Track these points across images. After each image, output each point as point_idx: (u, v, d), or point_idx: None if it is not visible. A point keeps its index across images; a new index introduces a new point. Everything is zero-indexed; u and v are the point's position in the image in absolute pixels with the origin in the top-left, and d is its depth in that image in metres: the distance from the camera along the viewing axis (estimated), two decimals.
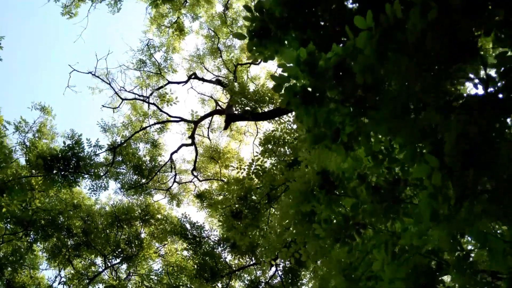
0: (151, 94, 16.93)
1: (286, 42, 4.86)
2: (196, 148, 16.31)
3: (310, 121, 3.15)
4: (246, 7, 5.06)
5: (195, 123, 15.48)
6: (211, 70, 19.86)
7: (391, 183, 3.95)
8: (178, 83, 17.36)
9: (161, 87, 17.04)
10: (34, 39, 41.80)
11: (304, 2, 4.64)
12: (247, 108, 11.56)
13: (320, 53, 3.43)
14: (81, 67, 40.17)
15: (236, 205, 10.04)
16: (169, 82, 17.30)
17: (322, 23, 4.76)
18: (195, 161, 16.83)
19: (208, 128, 18.28)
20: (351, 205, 3.99)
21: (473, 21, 2.69)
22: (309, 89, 3.36)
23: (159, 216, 20.03)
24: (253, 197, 10.24)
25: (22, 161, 18.65)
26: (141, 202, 18.85)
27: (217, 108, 16.96)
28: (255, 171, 9.81)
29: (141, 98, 16.63)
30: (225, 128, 14.19)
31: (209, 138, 18.29)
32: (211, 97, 17.63)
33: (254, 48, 4.89)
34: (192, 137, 15.44)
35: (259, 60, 14.57)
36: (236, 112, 12.34)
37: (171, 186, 18.09)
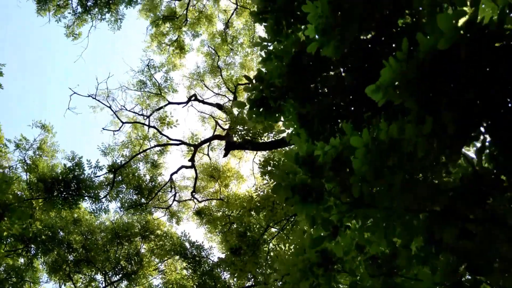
0: (151, 115, 17.03)
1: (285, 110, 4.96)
2: (196, 171, 16.39)
3: (308, 220, 3.24)
4: (246, 77, 5.16)
5: (195, 146, 15.57)
6: (211, 88, 19.99)
7: (390, 254, 4.03)
8: (178, 103, 17.46)
9: (161, 107, 17.15)
10: (35, 57, 42.15)
11: (303, 74, 4.73)
12: (247, 137, 11.64)
13: (318, 142, 3.52)
14: (82, 84, 40.61)
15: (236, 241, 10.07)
16: (169, 103, 17.41)
17: (321, 97, 4.85)
18: (194, 184, 16.90)
19: (208, 146, 18.36)
20: (350, 283, 4.06)
21: (464, 140, 2.78)
22: (308, 181, 3.44)
23: (158, 232, 20.10)
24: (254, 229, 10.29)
25: (24, 176, 18.81)
26: (141, 218, 18.92)
27: (217, 127, 17.05)
28: (254, 206, 9.86)
29: (142, 122, 16.73)
30: (225, 155, 14.27)
31: (209, 156, 18.39)
32: (211, 116, 17.71)
33: (254, 116, 4.97)
34: (192, 160, 15.53)
35: None
36: (236, 139, 12.43)
37: (171, 204, 18.17)
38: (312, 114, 4.64)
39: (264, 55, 4.85)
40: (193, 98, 17.25)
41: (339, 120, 4.71)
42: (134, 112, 17.48)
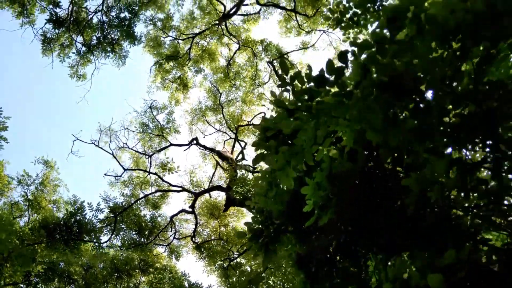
0: (153, 154, 17.23)
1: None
2: (196, 217, 16.55)
3: None
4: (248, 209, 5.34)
5: (196, 194, 15.76)
6: (213, 123, 20.22)
7: None
8: (180, 145, 17.66)
9: (163, 148, 17.36)
10: (38, 94, 42.75)
11: (300, 215, 4.93)
12: (247, 195, 11.82)
13: None
14: (86, 118, 41.15)
15: None
16: (171, 144, 17.60)
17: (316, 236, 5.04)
18: (194, 229, 17.06)
19: (209, 184, 18.52)
20: None
21: None
22: None
23: (158, 265, 20.20)
24: None
25: (26, 214, 18.98)
26: (141, 254, 19.04)
27: (219, 163, 17.21)
28: None
29: (143, 169, 16.94)
30: (225, 211, 14.45)
31: (209, 194, 18.53)
32: (212, 151, 17.85)
33: (255, 251, 5.16)
34: (192, 207, 15.69)
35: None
36: (236, 196, 12.62)
37: (171, 242, 18.28)
38: (309, 256, 4.82)
39: (265, 185, 5.04)
40: (194, 142, 17.44)
41: (337, 259, 4.89)
42: (136, 151, 17.69)
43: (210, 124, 20.12)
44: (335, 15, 5.94)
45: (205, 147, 17.47)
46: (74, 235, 15.09)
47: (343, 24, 5.98)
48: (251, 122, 19.64)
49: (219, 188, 15.83)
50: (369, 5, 5.83)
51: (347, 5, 5.93)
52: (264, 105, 21.10)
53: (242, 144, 18.52)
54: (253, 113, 21.29)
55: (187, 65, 18.89)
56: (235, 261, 19.10)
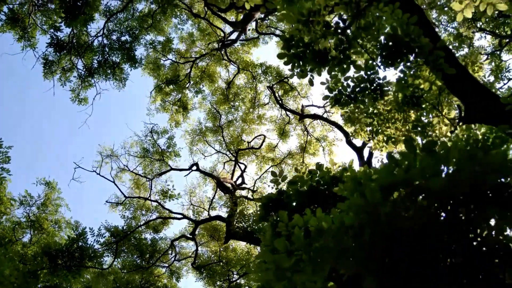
0: (153, 178, 17.42)
1: None
2: (196, 244, 16.75)
3: None
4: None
5: (197, 223, 15.95)
6: (213, 143, 20.42)
7: None
8: (180, 170, 17.85)
9: (164, 172, 17.56)
10: (39, 116, 43.07)
11: None
12: (248, 229, 12.03)
13: None
14: (87, 139, 41.42)
15: None
16: (172, 169, 17.80)
17: None
18: (195, 257, 17.25)
19: (210, 205, 18.73)
20: None
21: None
22: None
23: (159, 284, 20.38)
24: None
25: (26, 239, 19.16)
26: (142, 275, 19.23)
27: (218, 186, 17.38)
28: None
29: (144, 197, 17.14)
30: (225, 243, 14.65)
31: (209, 214, 18.71)
32: (212, 177, 18.03)
33: None
34: (193, 234, 15.88)
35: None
36: (237, 229, 12.83)
37: (172, 263, 18.47)
38: None
39: None
40: (194, 168, 17.63)
41: None
42: (136, 173, 17.86)
43: (210, 145, 20.36)
44: (334, 92, 6.13)
45: (205, 173, 17.65)
46: (76, 261, 15.27)
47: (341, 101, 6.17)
48: (251, 143, 19.86)
49: (219, 218, 16.01)
50: (367, 85, 6.03)
51: (345, 83, 6.12)
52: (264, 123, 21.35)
53: (242, 167, 18.73)
54: (253, 132, 21.53)
55: (187, 88, 19.08)
56: (234, 282, 19.32)
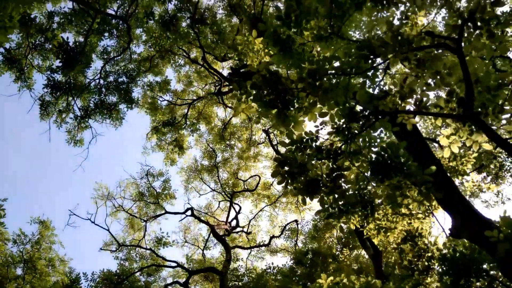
0: (148, 220, 17.41)
1: None
2: None
3: None
4: None
5: (190, 272, 15.88)
6: (208, 182, 20.45)
7: None
8: (175, 213, 17.87)
9: (159, 215, 17.57)
10: (35, 156, 43.37)
11: None
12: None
13: None
14: (82, 176, 41.55)
15: None
16: (166, 212, 17.81)
17: None
18: None
19: (204, 246, 18.71)
20: None
21: None
22: None
23: None
24: None
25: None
26: None
27: (213, 233, 17.38)
28: None
29: (139, 245, 17.10)
30: None
31: (203, 255, 18.69)
32: (207, 224, 18.02)
33: None
34: (186, 283, 15.79)
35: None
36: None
37: None
38: None
39: None
40: (189, 212, 17.64)
41: None
42: (131, 215, 17.84)
43: (205, 183, 20.38)
44: (325, 206, 6.19)
45: (199, 220, 17.65)
46: None
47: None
48: (247, 182, 19.90)
49: (213, 270, 15.94)
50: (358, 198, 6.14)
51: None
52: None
53: (237, 208, 18.76)
54: (249, 168, 21.57)
55: (183, 129, 19.15)
56: None
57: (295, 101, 6.26)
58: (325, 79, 6.13)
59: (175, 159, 20.10)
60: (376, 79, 5.95)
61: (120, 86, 18.34)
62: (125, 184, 18.40)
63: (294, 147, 5.71)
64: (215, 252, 19.88)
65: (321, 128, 5.66)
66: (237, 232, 18.56)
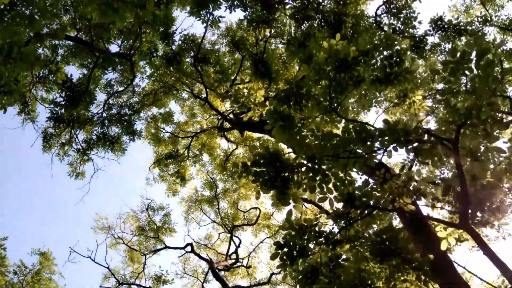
0: (147, 254, 17.40)
1: None
2: None
3: None
4: None
5: None
6: (208, 213, 20.45)
7: None
8: (175, 248, 17.86)
9: (159, 250, 17.56)
10: (36, 187, 43.87)
11: None
12: None
13: None
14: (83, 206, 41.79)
15: None
16: (166, 247, 17.82)
17: None
18: None
19: (204, 279, 18.61)
20: None
21: None
22: None
23: None
24: None
25: None
26: None
27: (212, 272, 17.26)
28: None
29: (138, 284, 17.08)
30: None
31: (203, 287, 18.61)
32: (205, 261, 17.92)
33: None
34: None
35: None
36: None
37: None
38: None
39: None
40: (189, 248, 17.63)
41: None
42: (131, 248, 17.83)
43: (205, 213, 20.38)
44: None
45: (199, 256, 17.61)
46: None
47: None
48: (247, 214, 19.90)
49: None
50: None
51: None
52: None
53: (237, 241, 18.73)
54: (249, 198, 21.54)
55: (186, 161, 19.25)
56: None
57: (295, 176, 6.33)
58: (324, 161, 6.20)
59: (177, 190, 20.15)
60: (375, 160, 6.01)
61: (123, 118, 18.48)
62: (126, 217, 18.44)
63: (293, 232, 5.75)
64: (215, 285, 19.81)
65: (320, 217, 5.70)
66: (237, 267, 18.50)
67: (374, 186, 5.83)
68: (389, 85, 6.46)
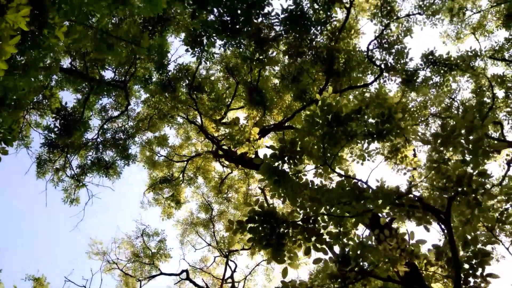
0: (142, 280, 17.30)
1: None
2: None
3: None
4: None
5: None
6: (204, 236, 20.40)
7: None
8: (170, 275, 17.79)
9: (154, 276, 17.47)
10: (31, 213, 43.71)
11: None
12: None
13: None
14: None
15: None
16: (161, 273, 17.73)
17: None
18: None
19: None
20: None
21: None
22: None
23: None
24: None
25: None
26: None
27: None
28: None
29: None
30: None
31: None
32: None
33: None
34: None
35: None
36: None
37: None
38: None
39: None
40: (184, 275, 17.56)
41: None
42: (126, 273, 17.72)
43: (201, 236, 20.33)
44: None
45: (194, 284, 17.53)
46: None
47: None
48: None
49: None
50: None
51: None
52: None
53: (232, 265, 18.67)
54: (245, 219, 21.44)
55: (181, 184, 19.23)
56: None
57: (290, 231, 6.38)
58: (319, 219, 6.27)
59: (172, 213, 20.08)
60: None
61: (118, 142, 18.45)
62: (120, 242, 18.35)
63: None
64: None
65: (315, 280, 5.74)
66: None
67: (370, 244, 5.88)
68: (381, 140, 6.56)
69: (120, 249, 18.35)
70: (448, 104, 16.19)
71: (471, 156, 4.90)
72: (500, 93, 17.67)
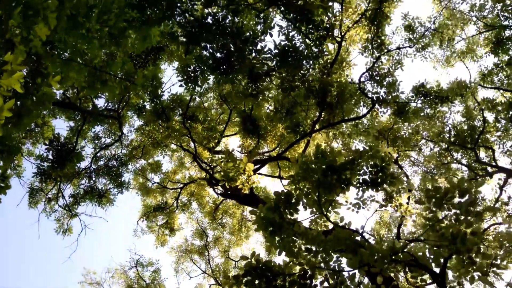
0: None
1: None
2: None
3: None
4: None
5: None
6: (199, 263, 20.22)
7: None
8: None
9: None
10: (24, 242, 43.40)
11: None
12: None
13: None
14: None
15: None
16: None
17: None
18: None
19: None
20: None
21: None
22: None
23: None
24: None
25: None
26: None
27: None
28: None
29: None
30: None
31: None
32: None
33: None
34: None
35: None
36: None
37: None
38: None
39: None
40: None
41: None
42: None
43: (195, 263, 20.14)
44: None
45: None
46: None
47: None
48: (238, 265, 19.73)
49: None
50: None
51: None
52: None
53: None
54: (240, 244, 21.38)
55: (174, 211, 19.13)
56: None
57: (287, 286, 6.36)
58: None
59: (166, 240, 19.90)
60: None
61: (111, 170, 18.33)
62: (114, 271, 18.11)
63: None
64: None
65: None
66: None
67: None
68: (375, 188, 6.62)
69: (113, 279, 18.12)
70: (440, 129, 16.38)
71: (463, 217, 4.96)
72: (490, 117, 17.90)
